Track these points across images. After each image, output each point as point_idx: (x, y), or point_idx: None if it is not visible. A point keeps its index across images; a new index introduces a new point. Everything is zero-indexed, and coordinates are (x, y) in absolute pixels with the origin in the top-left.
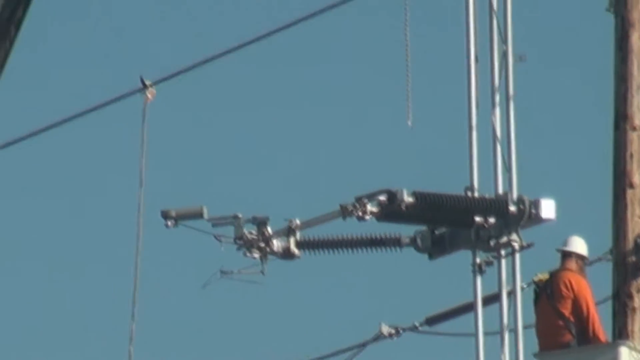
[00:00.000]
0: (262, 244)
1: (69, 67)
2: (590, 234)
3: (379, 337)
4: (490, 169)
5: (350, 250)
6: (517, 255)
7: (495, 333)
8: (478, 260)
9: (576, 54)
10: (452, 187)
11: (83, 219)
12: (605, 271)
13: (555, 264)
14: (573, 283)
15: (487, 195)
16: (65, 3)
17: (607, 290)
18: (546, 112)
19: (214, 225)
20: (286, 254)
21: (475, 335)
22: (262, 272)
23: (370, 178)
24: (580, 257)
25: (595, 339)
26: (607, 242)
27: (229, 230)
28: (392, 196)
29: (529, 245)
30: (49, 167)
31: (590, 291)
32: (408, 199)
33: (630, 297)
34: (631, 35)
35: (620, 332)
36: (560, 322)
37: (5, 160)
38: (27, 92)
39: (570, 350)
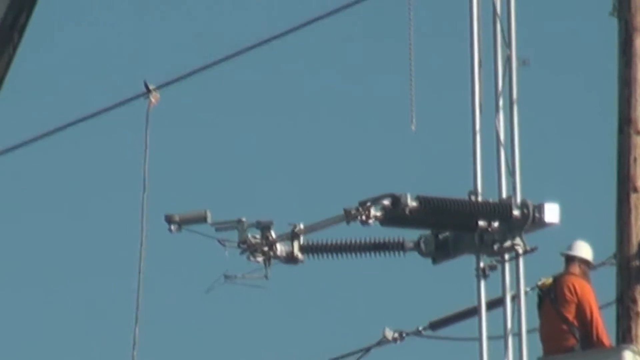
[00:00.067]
0: (266, 249)
1: (72, 72)
2: (594, 238)
3: (382, 341)
4: (494, 173)
5: (353, 255)
6: (521, 260)
7: (499, 337)
8: (482, 264)
9: (580, 58)
10: (455, 192)
11: (86, 223)
12: (609, 275)
13: (559, 268)
14: (577, 287)
15: (490, 200)
16: (68, 9)
17: (611, 294)
18: (550, 117)
19: (217, 230)
20: (290, 258)
21: (479, 339)
22: (266, 277)
23: (374, 182)
24: (583, 261)
25: (599, 343)
26: (611, 246)
27: (233, 235)
28: (396, 200)
29: (532, 250)
30: (52, 171)
31: (594, 295)
32: (412, 203)
33: (634, 301)
34: (635, 40)
35: (624, 336)
36: (564, 327)
37: (10, 165)
38: (31, 97)
39: (574, 355)
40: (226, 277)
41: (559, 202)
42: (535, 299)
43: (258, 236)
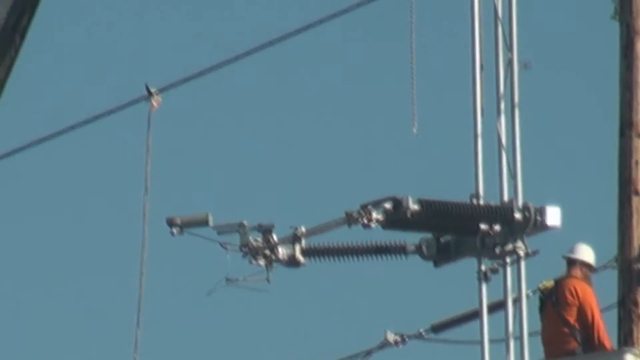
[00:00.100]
0: (268, 252)
1: (74, 75)
2: (596, 241)
3: (384, 344)
4: (496, 177)
5: (355, 258)
6: (523, 263)
7: (500, 340)
8: (483, 267)
9: (581, 61)
10: (457, 195)
11: (88, 226)
12: (610, 278)
13: (561, 271)
14: (578, 290)
15: (492, 203)
16: (70, 11)
17: (613, 297)
18: (551, 120)
19: (219, 233)
20: (291, 261)
21: (481, 342)
22: (268, 280)
23: (376, 185)
24: (585, 264)
25: (600, 346)
26: (613, 249)
27: (235, 238)
28: (398, 203)
29: (534, 253)
30: (55, 174)
31: (596, 298)
32: (413, 206)
33: (636, 304)
34: (636, 43)
35: (626, 339)
36: (566, 330)
37: (12, 167)
38: (33, 100)
39: (576, 358)
40: (228, 280)
41: (560, 205)
42: (537, 302)
43: (260, 239)
